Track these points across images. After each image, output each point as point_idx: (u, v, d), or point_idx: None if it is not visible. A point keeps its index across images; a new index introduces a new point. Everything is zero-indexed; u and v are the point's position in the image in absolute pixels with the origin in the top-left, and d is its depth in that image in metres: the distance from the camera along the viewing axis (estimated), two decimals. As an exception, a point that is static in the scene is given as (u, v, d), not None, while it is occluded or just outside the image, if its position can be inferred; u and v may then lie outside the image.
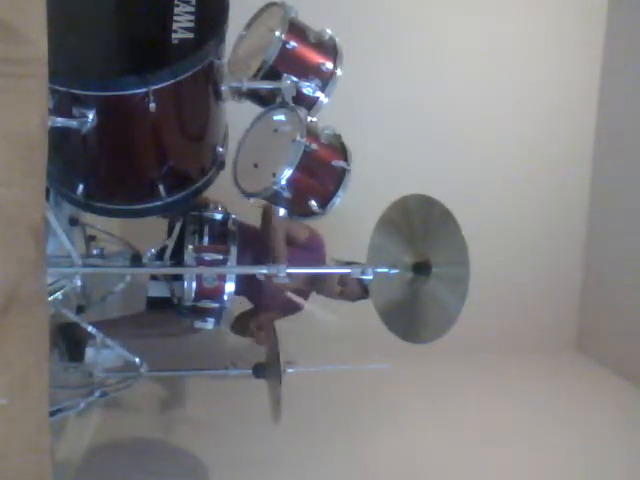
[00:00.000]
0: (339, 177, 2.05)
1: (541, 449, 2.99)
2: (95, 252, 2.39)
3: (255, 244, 2.68)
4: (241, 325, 2.85)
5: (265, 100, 2.17)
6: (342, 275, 2.79)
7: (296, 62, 2.15)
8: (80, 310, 2.70)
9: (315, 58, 2.18)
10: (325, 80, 2.20)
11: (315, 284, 2.86)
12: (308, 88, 2.15)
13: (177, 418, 3.14)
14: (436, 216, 2.17)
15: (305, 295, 2.91)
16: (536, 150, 4.14)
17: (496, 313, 4.05)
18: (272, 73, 2.10)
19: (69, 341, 2.52)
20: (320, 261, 2.83)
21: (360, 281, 2.73)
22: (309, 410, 3.10)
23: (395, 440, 3.03)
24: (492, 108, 4.01)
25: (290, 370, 2.42)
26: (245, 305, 2.87)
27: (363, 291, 2.77)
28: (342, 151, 2.08)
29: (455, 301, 2.09)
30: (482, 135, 4.03)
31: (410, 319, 2.30)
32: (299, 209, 2.10)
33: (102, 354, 2.43)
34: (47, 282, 1.57)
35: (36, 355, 1.21)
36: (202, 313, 2.41)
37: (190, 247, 2.33)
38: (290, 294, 2.55)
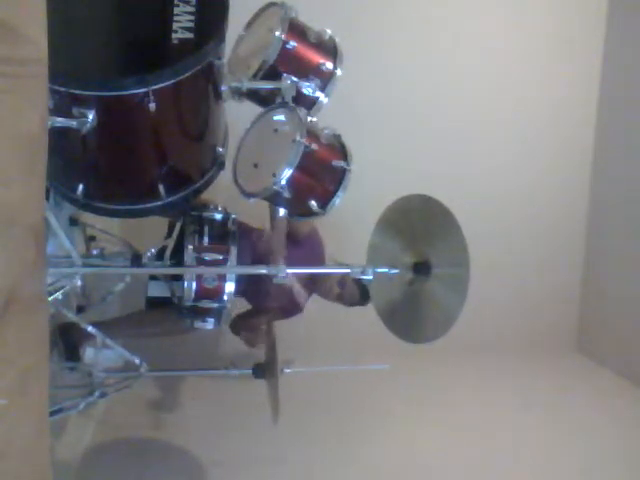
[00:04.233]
0: (339, 177, 2.05)
1: (541, 449, 2.99)
2: (95, 252, 2.39)
3: (256, 246, 2.68)
4: (241, 325, 2.85)
5: (265, 100, 2.17)
6: (341, 277, 2.79)
7: (296, 62, 2.14)
8: (80, 310, 2.70)
9: (315, 58, 2.18)
10: (325, 80, 2.20)
11: (314, 285, 2.86)
12: (308, 88, 2.15)
13: (177, 418, 3.14)
14: (436, 216, 2.17)
15: (304, 297, 2.91)
16: (536, 150, 4.14)
17: (496, 313, 4.05)
18: (272, 73, 2.10)
19: (66, 342, 2.51)
20: (319, 260, 2.83)
21: (359, 286, 2.74)
22: (309, 410, 3.10)
23: (394, 440, 3.03)
24: (492, 109, 4.01)
25: (287, 370, 2.43)
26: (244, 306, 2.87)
27: (361, 296, 2.77)
28: (342, 151, 2.08)
29: (455, 301, 2.10)
30: (482, 135, 4.04)
31: (410, 319, 2.30)
32: (299, 209, 2.10)
33: (102, 354, 2.44)
34: (47, 282, 1.57)
35: (36, 355, 1.21)
36: (202, 313, 2.41)
37: (190, 247, 2.33)
38: (297, 291, 2.55)
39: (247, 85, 2.09)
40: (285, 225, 2.61)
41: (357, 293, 2.78)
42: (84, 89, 1.79)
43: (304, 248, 2.76)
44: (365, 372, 2.73)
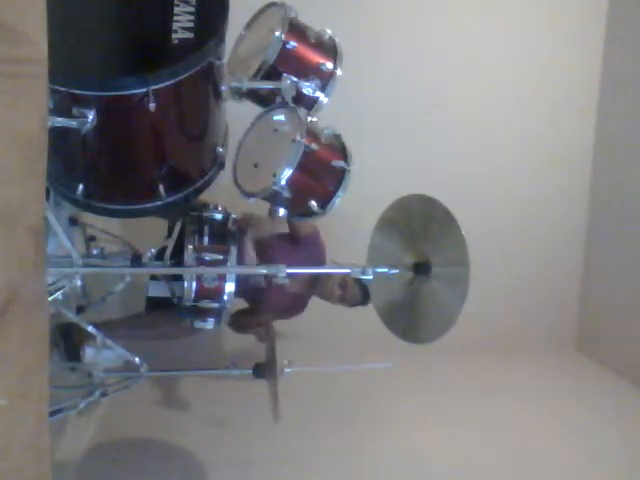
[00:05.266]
0: (339, 177, 2.05)
1: (541, 449, 2.99)
2: (95, 252, 2.39)
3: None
4: (240, 323, 2.85)
5: (265, 100, 2.17)
6: (342, 279, 2.78)
7: (296, 62, 2.15)
8: (80, 310, 2.70)
9: (315, 58, 2.18)
10: (325, 80, 2.20)
11: (315, 287, 2.86)
12: (308, 88, 2.16)
13: (177, 418, 3.14)
14: (436, 216, 2.18)
15: (304, 300, 2.90)
16: (537, 150, 4.14)
17: (496, 313, 4.05)
18: (272, 73, 2.11)
19: (66, 342, 2.51)
20: (321, 261, 2.83)
21: (360, 286, 2.74)
22: (309, 410, 3.10)
23: (395, 440, 3.03)
24: (492, 109, 4.01)
25: (288, 370, 2.42)
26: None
27: (363, 296, 2.76)
28: (342, 151, 2.08)
29: (455, 301, 2.10)
30: (482, 136, 4.03)
31: (410, 319, 2.30)
32: (299, 209, 2.10)
33: (102, 354, 2.43)
34: (47, 282, 1.57)
35: (36, 355, 1.21)
36: (202, 313, 2.41)
37: (190, 247, 2.33)
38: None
39: (247, 85, 2.09)
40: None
41: (359, 293, 2.77)
42: (84, 89, 1.79)
43: (305, 252, 2.76)
44: (366, 372, 2.73)
